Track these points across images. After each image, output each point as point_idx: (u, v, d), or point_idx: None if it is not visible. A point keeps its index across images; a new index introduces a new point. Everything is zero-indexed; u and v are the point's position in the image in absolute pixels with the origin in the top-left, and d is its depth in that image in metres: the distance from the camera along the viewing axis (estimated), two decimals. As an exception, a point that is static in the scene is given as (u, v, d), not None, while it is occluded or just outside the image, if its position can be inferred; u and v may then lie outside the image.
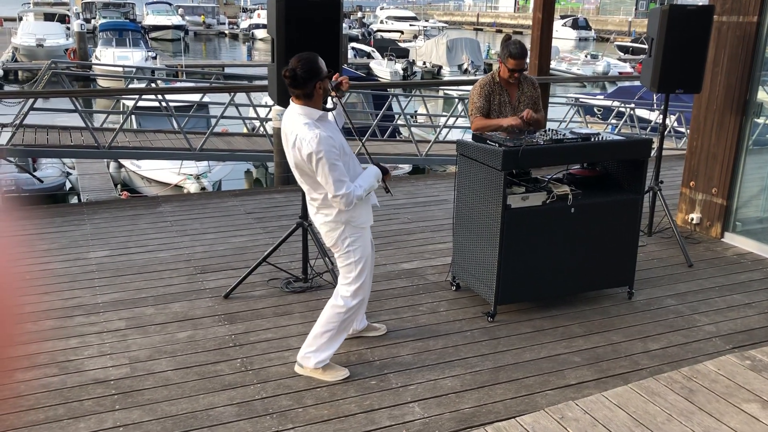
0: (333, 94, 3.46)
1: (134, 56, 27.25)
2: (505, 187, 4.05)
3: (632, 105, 14.27)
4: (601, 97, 18.55)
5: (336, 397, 3.46)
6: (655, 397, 3.16)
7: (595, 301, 4.63)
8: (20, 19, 37.59)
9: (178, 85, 15.36)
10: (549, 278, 4.38)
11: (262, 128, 11.70)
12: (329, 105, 3.53)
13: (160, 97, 10.20)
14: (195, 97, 12.93)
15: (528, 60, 4.63)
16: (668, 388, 3.23)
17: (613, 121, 14.54)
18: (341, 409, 3.37)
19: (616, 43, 45.73)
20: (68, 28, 35.63)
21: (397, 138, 13.53)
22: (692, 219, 6.12)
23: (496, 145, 4.08)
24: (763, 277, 5.15)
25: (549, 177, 4.57)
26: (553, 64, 29.37)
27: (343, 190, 3.28)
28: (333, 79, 3.51)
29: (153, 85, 12.02)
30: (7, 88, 25.56)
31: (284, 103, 4.40)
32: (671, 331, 4.24)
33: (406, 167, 13.15)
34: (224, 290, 4.66)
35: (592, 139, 4.33)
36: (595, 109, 17.15)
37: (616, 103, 15.02)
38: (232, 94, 10.17)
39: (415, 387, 3.57)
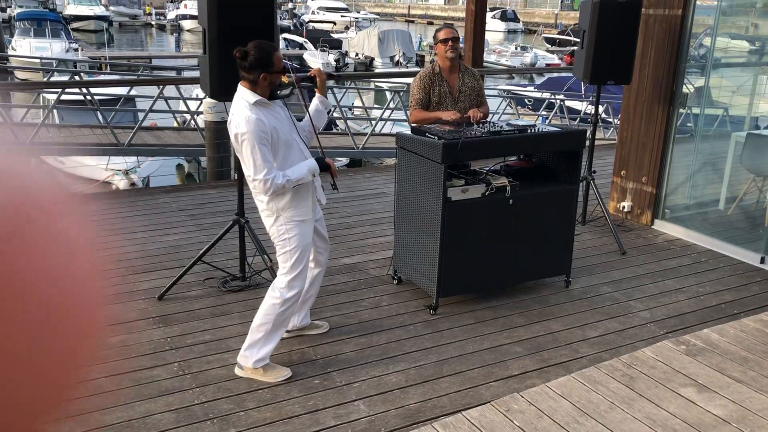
0: (295, 83, 3.46)
1: (54, 47, 26.03)
2: (445, 180, 4.03)
3: (562, 96, 14.58)
4: (532, 88, 18.90)
5: (279, 399, 3.38)
6: (597, 386, 3.21)
7: (534, 291, 4.69)
8: (-72, 7, 35.46)
9: (104, 77, 14.78)
10: (489, 269, 4.40)
11: (193, 122, 11.37)
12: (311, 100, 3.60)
13: (84, 90, 9.78)
14: (122, 90, 12.47)
15: (458, 35, 4.75)
16: (609, 376, 3.28)
17: (544, 113, 14.82)
18: (284, 410, 3.29)
19: (543, 35, 46.70)
20: (-19, 18, 33.81)
21: (333, 131, 13.42)
22: (624, 207, 6.29)
23: (436, 138, 4.06)
24: (692, 262, 5.33)
25: (487, 168, 4.58)
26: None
27: (262, 175, 3.23)
28: (311, 75, 3.61)
29: (76, 77, 11.52)
30: None
31: (216, 96, 4.27)
32: (608, 319, 4.33)
33: (344, 160, 13.06)
34: (158, 291, 4.49)
35: (529, 131, 4.36)
36: (526, 101, 17.45)
37: (547, 95, 15.32)
38: (161, 86, 9.84)
39: (359, 384, 3.52)
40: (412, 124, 4.52)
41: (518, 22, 57.38)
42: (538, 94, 16.61)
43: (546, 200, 4.49)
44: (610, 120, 14.31)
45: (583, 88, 15.16)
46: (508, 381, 3.58)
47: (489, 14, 54.41)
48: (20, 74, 23.28)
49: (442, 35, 4.66)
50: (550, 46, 42.32)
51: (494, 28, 52.97)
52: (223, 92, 4.20)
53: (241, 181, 4.49)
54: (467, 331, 4.11)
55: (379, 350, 3.87)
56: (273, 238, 3.48)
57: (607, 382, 3.24)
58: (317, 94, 3.66)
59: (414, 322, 4.22)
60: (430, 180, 4.13)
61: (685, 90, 5.85)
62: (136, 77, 15.16)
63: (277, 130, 3.30)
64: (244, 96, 3.30)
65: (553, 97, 14.80)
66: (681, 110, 5.91)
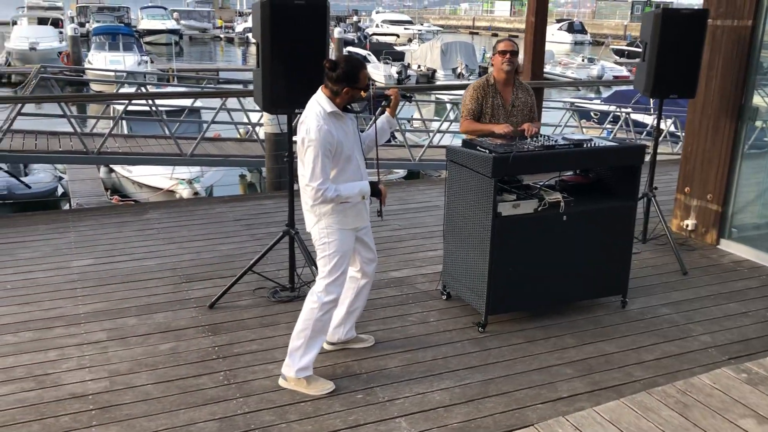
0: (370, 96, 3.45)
1: (127, 60, 27.11)
2: (495, 195, 3.95)
3: (628, 109, 14.19)
4: (597, 101, 18.48)
5: (320, 412, 3.36)
6: (648, 413, 3.06)
7: (588, 311, 4.54)
8: (14, 23, 37.43)
9: (169, 89, 15.23)
10: (541, 287, 4.28)
11: (254, 133, 11.59)
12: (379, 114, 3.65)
13: (150, 101, 10.09)
14: (187, 102, 12.83)
15: (517, 49, 4.69)
16: (662, 403, 3.13)
17: (609, 126, 14.46)
18: (325, 424, 3.27)
19: (611, 46, 45.73)
20: (61, 32, 35.49)
21: (391, 142, 13.43)
22: (687, 225, 6.04)
23: (487, 151, 3.99)
24: (760, 285, 5.06)
25: (541, 183, 4.48)
26: (547, 68, 29.29)
27: (316, 183, 3.29)
28: (387, 94, 3.63)
29: (143, 89, 11.93)
30: (-1, 92, 25.44)
31: (269, 109, 4.32)
32: (665, 342, 4.15)
33: (401, 172, 13.06)
34: (209, 300, 4.55)
35: (585, 145, 4.24)
36: (592, 113, 17.07)
37: (611, 108, 14.94)
38: (224, 98, 10.07)
39: (402, 401, 3.47)
40: (462, 133, 4.48)
41: (585, 33, 56.46)
42: (604, 107, 16.21)
43: (602, 217, 4.34)
44: (679, 134, 13.83)
45: (651, 102, 14.72)
46: (556, 403, 3.47)
47: (556, 26, 53.76)
48: (94, 86, 24.28)
49: (501, 47, 4.64)
50: (618, 57, 41.40)
51: (561, 39, 52.30)
52: (275, 105, 4.25)
53: (292, 193, 4.52)
54: (516, 351, 4.01)
55: (425, 367, 3.81)
56: (314, 240, 3.53)
57: (659, 408, 3.09)
58: (386, 113, 3.69)
59: (461, 339, 4.14)
60: (480, 194, 4.06)
61: (760, 103, 5.58)
62: (199, 89, 15.58)
63: (342, 145, 3.36)
64: (321, 102, 3.36)
65: (618, 110, 14.43)
66: (753, 124, 5.64)
